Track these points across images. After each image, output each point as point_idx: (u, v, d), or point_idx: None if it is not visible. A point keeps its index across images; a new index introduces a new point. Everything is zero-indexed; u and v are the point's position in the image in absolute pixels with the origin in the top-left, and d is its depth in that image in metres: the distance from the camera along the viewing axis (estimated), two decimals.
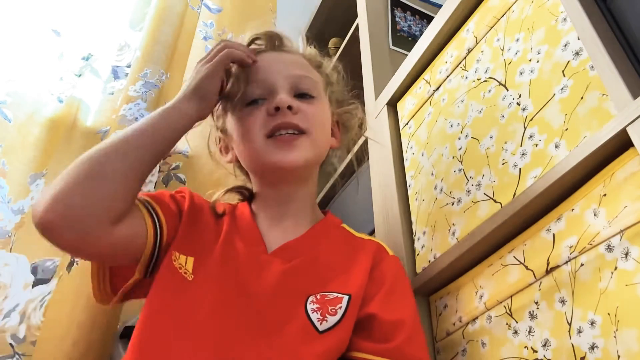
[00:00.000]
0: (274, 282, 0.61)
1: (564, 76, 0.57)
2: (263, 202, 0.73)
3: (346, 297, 0.61)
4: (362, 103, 0.85)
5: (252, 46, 0.76)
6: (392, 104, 0.95)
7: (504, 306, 0.57)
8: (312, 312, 0.59)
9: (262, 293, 0.60)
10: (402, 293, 0.64)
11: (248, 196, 0.76)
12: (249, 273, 0.62)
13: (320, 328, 0.58)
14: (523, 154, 0.60)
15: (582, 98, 0.54)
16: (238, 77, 0.72)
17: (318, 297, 0.61)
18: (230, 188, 0.76)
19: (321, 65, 0.80)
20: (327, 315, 0.59)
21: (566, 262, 0.51)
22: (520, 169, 0.59)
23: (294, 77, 0.71)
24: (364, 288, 0.62)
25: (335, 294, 0.61)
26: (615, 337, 0.44)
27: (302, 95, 0.71)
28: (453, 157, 0.73)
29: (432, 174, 0.77)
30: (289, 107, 0.67)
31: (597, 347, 0.45)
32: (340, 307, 0.60)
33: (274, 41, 0.76)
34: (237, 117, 0.71)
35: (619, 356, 0.43)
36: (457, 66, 0.79)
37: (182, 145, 1.28)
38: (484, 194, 0.64)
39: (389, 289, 0.63)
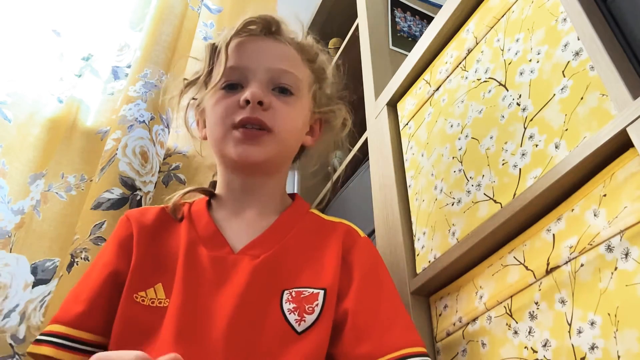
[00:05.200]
0: (245, 282, 0.59)
1: (564, 76, 0.57)
2: (227, 189, 0.71)
3: (322, 292, 0.60)
4: (356, 103, 0.83)
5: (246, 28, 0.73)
6: (392, 104, 0.95)
7: (504, 306, 0.57)
8: (290, 313, 0.58)
9: (235, 296, 0.58)
10: (377, 280, 0.63)
11: (209, 193, 0.73)
12: (218, 279, 0.60)
13: (299, 329, 0.57)
14: (523, 154, 0.60)
15: (582, 98, 0.54)
16: (220, 58, 0.70)
17: (293, 294, 0.59)
18: (190, 189, 0.73)
19: (315, 59, 0.76)
20: (304, 315, 0.58)
21: (566, 263, 0.51)
22: (520, 169, 0.59)
23: (276, 70, 0.69)
24: (338, 278, 0.61)
25: (311, 290, 0.60)
26: (615, 337, 0.44)
27: (281, 90, 0.69)
28: (453, 157, 0.73)
29: (432, 174, 0.77)
30: (260, 103, 0.66)
31: (597, 347, 0.45)
32: (317, 304, 0.59)
33: (270, 27, 0.74)
34: (212, 97, 0.70)
35: (619, 356, 0.43)
36: (457, 66, 0.79)
37: (182, 145, 1.28)
38: (484, 194, 0.64)
39: (363, 279, 0.62)
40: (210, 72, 0.73)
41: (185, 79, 0.77)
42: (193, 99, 0.76)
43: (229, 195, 0.71)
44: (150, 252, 0.63)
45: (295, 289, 0.60)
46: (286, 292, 0.60)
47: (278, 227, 0.67)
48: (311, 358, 0.56)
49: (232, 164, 0.69)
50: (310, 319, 0.58)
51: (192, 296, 0.58)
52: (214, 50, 0.74)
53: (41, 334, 0.58)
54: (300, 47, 0.75)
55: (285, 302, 0.59)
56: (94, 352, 0.56)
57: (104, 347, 0.58)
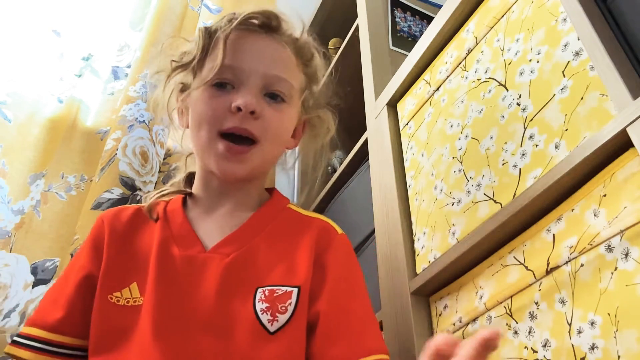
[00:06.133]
0: (216, 281, 0.59)
1: (564, 76, 0.57)
2: (204, 187, 0.70)
3: (295, 290, 0.59)
4: (345, 110, 0.82)
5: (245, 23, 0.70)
6: (392, 105, 0.95)
7: (504, 306, 0.57)
8: (262, 313, 0.57)
9: (206, 296, 0.58)
10: (350, 282, 0.62)
11: (186, 193, 0.72)
12: (188, 278, 0.59)
13: (272, 329, 0.56)
14: (523, 154, 0.60)
15: (582, 98, 0.54)
16: (215, 52, 0.67)
17: (267, 292, 0.59)
18: (165, 192, 0.72)
19: (310, 62, 0.74)
20: (277, 315, 0.57)
21: (566, 263, 0.51)
22: (520, 169, 0.59)
23: (271, 77, 0.67)
24: (310, 276, 0.61)
25: (285, 288, 0.59)
26: (615, 337, 0.44)
27: (272, 96, 0.67)
28: (453, 157, 0.73)
29: (432, 174, 0.77)
30: (252, 112, 0.63)
31: (597, 347, 0.45)
32: (290, 303, 0.58)
33: (270, 22, 0.71)
34: (201, 93, 0.67)
35: (619, 356, 0.43)
36: (457, 66, 0.79)
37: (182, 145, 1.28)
38: (484, 194, 0.64)
39: (336, 280, 0.61)
40: (201, 60, 0.69)
41: (173, 60, 0.73)
42: (180, 83, 0.73)
43: (205, 193, 0.70)
44: (124, 252, 0.63)
45: (269, 287, 0.59)
46: (259, 290, 0.59)
47: (251, 225, 0.66)
48: (284, 358, 0.55)
49: (213, 172, 0.68)
50: (283, 318, 0.57)
51: (166, 294, 0.58)
52: (208, 37, 0.70)
53: (19, 336, 0.59)
54: (298, 48, 0.73)
55: (259, 302, 0.58)
56: (73, 355, 0.59)
57: (83, 350, 0.59)
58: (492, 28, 0.73)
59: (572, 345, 0.48)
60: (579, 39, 0.56)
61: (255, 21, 0.70)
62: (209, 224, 0.66)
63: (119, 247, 0.63)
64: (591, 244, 0.48)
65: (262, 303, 0.58)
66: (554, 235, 0.53)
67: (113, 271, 0.61)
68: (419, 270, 0.73)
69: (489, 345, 0.35)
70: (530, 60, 0.63)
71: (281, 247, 0.64)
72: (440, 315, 0.68)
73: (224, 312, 0.57)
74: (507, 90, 0.66)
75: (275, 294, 0.59)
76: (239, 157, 0.64)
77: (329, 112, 0.78)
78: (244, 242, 0.63)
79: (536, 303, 0.53)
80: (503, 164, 0.62)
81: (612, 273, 0.46)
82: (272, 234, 0.65)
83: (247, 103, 0.63)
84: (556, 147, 0.55)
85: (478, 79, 0.73)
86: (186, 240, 0.64)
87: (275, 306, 0.58)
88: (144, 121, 1.12)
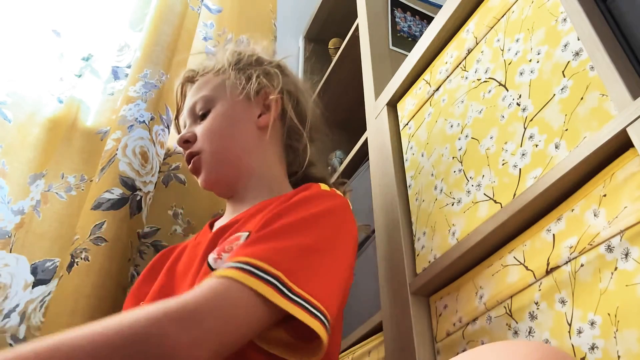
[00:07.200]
0: (203, 250, 0.65)
1: (564, 76, 0.57)
2: (228, 200, 0.79)
3: (245, 234, 0.60)
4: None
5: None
6: (392, 105, 0.95)
7: (504, 306, 0.57)
8: (212, 257, 0.60)
9: (196, 263, 0.64)
10: (293, 210, 0.58)
11: None
12: (191, 256, 0.67)
13: (215, 266, 0.58)
14: (523, 155, 0.60)
15: (582, 98, 0.54)
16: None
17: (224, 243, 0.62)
18: None
19: (221, 67, 0.80)
20: (222, 254, 0.59)
21: (566, 263, 0.51)
22: (520, 169, 0.59)
23: (191, 108, 0.79)
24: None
25: (236, 234, 0.61)
26: (615, 337, 0.44)
27: (202, 116, 0.77)
28: (453, 157, 0.73)
29: (432, 174, 0.77)
30: (186, 142, 0.76)
31: (597, 347, 0.45)
32: (236, 245, 0.59)
33: (191, 78, 0.83)
34: None
35: (619, 357, 0.43)
36: (457, 66, 0.79)
37: None
38: (484, 194, 0.64)
39: (280, 210, 0.58)
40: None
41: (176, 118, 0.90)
42: None
43: (228, 204, 0.79)
44: (161, 262, 0.73)
45: (228, 239, 0.62)
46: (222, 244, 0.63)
47: (256, 206, 0.69)
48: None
49: None
50: (226, 256, 0.58)
51: (169, 276, 0.66)
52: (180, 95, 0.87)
53: None
54: (212, 68, 0.81)
55: (213, 252, 0.61)
56: None
57: None
58: (492, 28, 0.73)
59: (572, 345, 0.48)
60: (579, 39, 0.56)
61: (183, 86, 0.85)
62: (225, 220, 0.73)
63: (162, 262, 0.73)
64: (591, 244, 0.48)
65: (215, 251, 0.61)
66: (554, 235, 0.53)
67: (149, 279, 0.72)
68: (419, 270, 0.73)
69: None
70: (530, 60, 0.63)
71: (263, 213, 0.64)
72: (440, 315, 0.68)
73: (200, 272, 0.61)
74: (507, 90, 0.66)
75: (227, 240, 0.62)
76: (197, 171, 0.75)
77: (258, 69, 0.80)
78: (240, 216, 0.68)
79: (536, 303, 0.53)
80: (503, 164, 0.62)
81: (612, 273, 0.46)
82: (265, 206, 0.67)
83: (178, 141, 0.77)
84: (556, 147, 0.55)
85: (478, 79, 0.73)
86: (202, 233, 0.73)
87: (222, 248, 0.61)
88: (144, 121, 1.12)
